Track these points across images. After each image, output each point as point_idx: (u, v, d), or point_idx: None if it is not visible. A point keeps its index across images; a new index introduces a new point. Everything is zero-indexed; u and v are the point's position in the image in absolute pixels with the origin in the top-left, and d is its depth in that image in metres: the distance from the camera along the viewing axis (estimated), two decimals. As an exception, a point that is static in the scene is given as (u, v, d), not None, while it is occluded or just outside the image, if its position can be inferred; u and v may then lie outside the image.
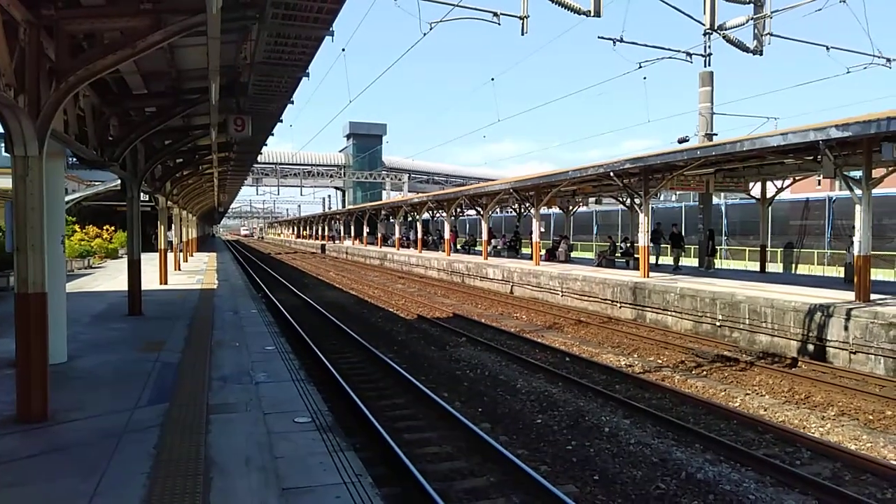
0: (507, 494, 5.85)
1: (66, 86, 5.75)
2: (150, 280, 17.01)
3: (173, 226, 26.04)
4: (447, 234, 33.57)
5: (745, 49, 16.90)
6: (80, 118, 8.53)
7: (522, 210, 32.50)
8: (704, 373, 10.72)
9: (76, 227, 27.77)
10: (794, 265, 22.31)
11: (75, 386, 7.06)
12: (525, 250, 32.01)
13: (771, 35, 16.78)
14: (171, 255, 23.00)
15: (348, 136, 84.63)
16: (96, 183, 32.00)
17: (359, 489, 4.32)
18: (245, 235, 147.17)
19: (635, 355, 12.12)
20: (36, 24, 5.73)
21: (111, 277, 20.79)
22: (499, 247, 32.77)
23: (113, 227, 32.50)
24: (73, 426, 5.62)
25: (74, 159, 12.62)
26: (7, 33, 5.24)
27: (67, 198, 26.98)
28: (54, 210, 7.71)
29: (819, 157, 12.76)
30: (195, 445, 5.07)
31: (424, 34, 13.71)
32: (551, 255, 26.59)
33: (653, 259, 22.19)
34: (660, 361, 11.58)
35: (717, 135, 20.27)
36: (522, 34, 14.29)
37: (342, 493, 4.26)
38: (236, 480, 4.41)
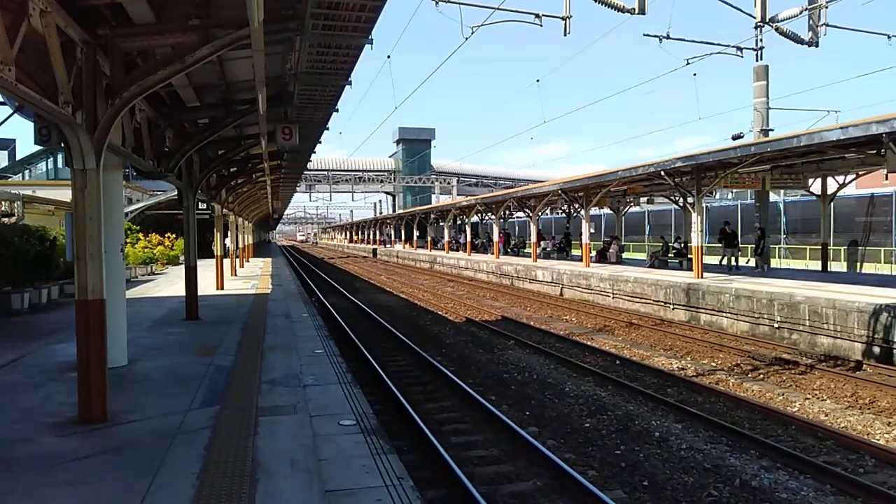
0: (554, 499, 5.79)
1: (121, 101, 6.00)
2: (207, 285, 17.56)
3: (229, 232, 26.86)
4: (496, 237, 33.48)
5: (799, 41, 16.31)
6: (136, 131, 8.88)
7: (572, 211, 32.19)
8: (761, 376, 10.36)
9: (140, 234, 28.86)
10: (858, 264, 21.31)
11: (134, 389, 7.36)
12: (575, 252, 31.61)
13: (827, 25, 16.12)
14: (227, 261, 23.70)
15: (398, 142, 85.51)
16: (158, 193, 33.23)
17: (399, 492, 4.35)
18: (301, 241, 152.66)
19: (688, 358, 11.81)
20: (92, 44, 6.01)
21: (171, 283, 21.54)
22: (548, 249, 32.47)
23: (174, 235, 33.67)
24: (130, 427, 5.84)
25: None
26: (65, 53, 5.51)
27: (131, 207, 28.19)
28: (113, 220, 8.04)
29: (883, 150, 12.17)
30: (243, 447, 5.20)
31: (466, 38, 13.80)
32: (602, 257, 26.18)
33: (716, 259, 21.55)
34: (714, 364, 11.25)
35: (773, 130, 19.56)
36: (565, 34, 14.21)
37: (383, 496, 4.30)
38: (281, 482, 4.51)
